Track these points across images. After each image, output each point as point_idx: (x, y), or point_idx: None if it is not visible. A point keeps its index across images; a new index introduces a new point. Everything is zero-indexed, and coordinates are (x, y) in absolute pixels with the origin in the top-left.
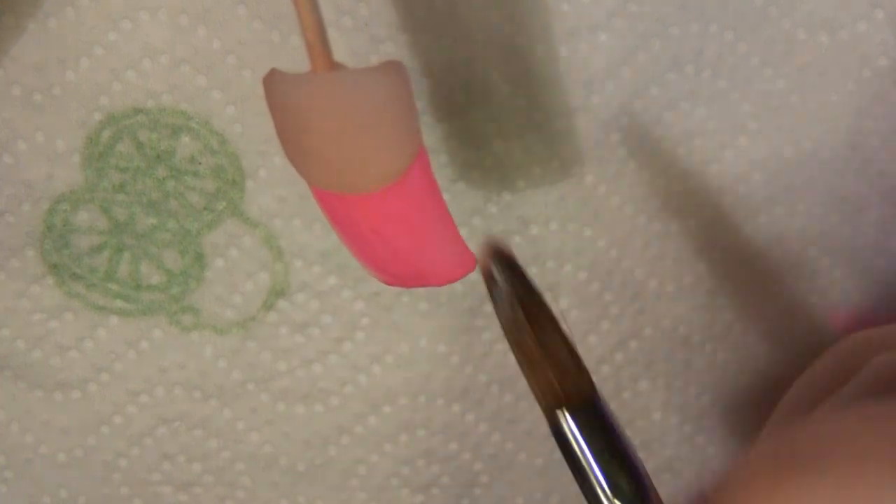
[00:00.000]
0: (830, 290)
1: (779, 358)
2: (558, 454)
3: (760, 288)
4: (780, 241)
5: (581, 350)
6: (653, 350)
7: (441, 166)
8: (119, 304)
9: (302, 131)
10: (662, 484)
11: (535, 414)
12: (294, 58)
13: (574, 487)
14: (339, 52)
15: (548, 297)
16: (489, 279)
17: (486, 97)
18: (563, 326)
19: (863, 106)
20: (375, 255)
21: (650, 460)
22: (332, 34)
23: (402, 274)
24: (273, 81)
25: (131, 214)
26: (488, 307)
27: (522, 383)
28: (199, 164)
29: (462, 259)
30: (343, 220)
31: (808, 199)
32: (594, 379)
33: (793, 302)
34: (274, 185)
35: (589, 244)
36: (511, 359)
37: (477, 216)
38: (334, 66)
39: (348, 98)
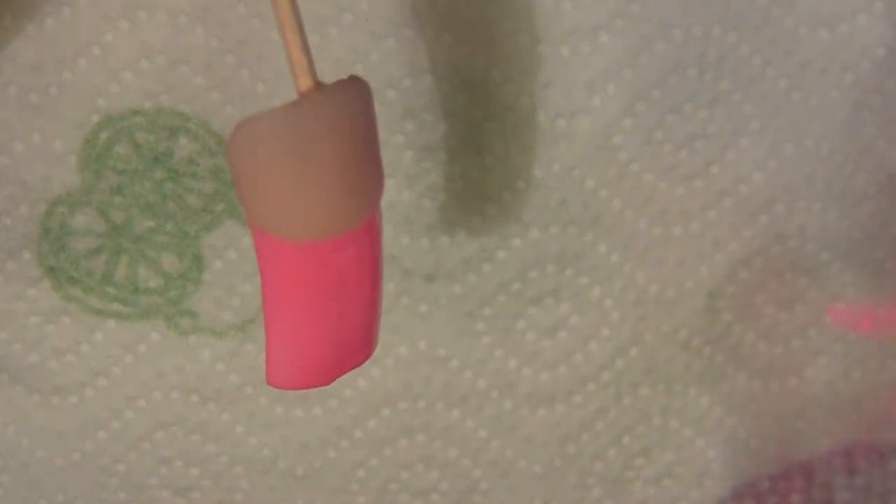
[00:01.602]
0: (829, 284)
1: (777, 356)
2: (558, 461)
3: (759, 286)
4: (780, 239)
5: (581, 356)
6: (653, 356)
7: (440, 166)
8: (116, 307)
9: (288, 172)
10: (663, 489)
11: (535, 420)
12: None
13: (574, 494)
14: (339, 49)
15: (548, 302)
16: None
17: (487, 97)
18: None
19: (861, 96)
20: (329, 319)
21: (650, 466)
22: (332, 30)
23: (349, 340)
24: (236, 138)
25: (129, 217)
26: (488, 311)
27: (522, 388)
28: (198, 165)
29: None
30: (313, 275)
31: (808, 195)
32: (594, 385)
33: (791, 297)
34: None
35: (590, 248)
36: (512, 364)
37: (476, 217)
38: (318, 84)
39: (326, 124)
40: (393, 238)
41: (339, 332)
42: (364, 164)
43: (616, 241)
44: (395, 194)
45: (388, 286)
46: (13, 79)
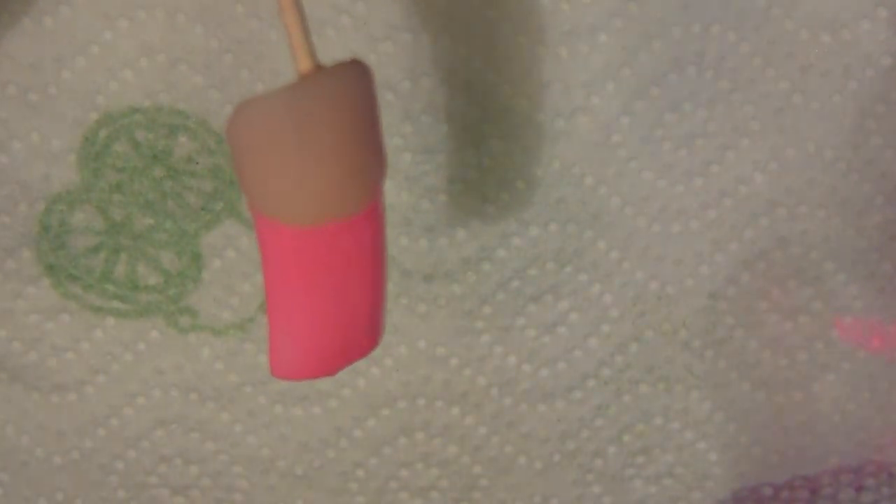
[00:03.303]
0: (835, 295)
1: (782, 366)
2: (558, 457)
3: (762, 291)
4: (783, 244)
5: (581, 353)
6: (653, 354)
7: (440, 166)
8: (116, 304)
9: (289, 153)
10: (664, 488)
11: (534, 417)
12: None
13: (574, 491)
14: (337, 52)
15: (548, 299)
16: None
17: (486, 97)
18: None
19: (865, 106)
20: (332, 307)
21: (650, 465)
22: (330, 33)
23: (353, 329)
24: (236, 120)
25: (128, 215)
26: (487, 309)
27: (522, 385)
28: (197, 163)
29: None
30: (315, 262)
31: (811, 200)
32: (594, 381)
33: (796, 307)
34: None
35: (589, 245)
36: (511, 361)
37: (475, 217)
38: (318, 66)
39: (328, 104)
40: (392, 239)
41: (342, 321)
42: (365, 147)
43: (615, 238)
44: (394, 196)
45: (387, 286)
46: (12, 77)
